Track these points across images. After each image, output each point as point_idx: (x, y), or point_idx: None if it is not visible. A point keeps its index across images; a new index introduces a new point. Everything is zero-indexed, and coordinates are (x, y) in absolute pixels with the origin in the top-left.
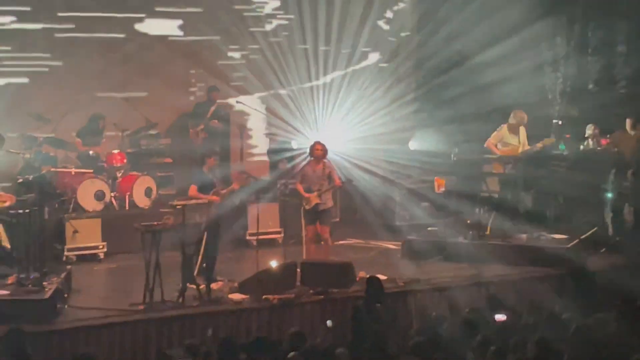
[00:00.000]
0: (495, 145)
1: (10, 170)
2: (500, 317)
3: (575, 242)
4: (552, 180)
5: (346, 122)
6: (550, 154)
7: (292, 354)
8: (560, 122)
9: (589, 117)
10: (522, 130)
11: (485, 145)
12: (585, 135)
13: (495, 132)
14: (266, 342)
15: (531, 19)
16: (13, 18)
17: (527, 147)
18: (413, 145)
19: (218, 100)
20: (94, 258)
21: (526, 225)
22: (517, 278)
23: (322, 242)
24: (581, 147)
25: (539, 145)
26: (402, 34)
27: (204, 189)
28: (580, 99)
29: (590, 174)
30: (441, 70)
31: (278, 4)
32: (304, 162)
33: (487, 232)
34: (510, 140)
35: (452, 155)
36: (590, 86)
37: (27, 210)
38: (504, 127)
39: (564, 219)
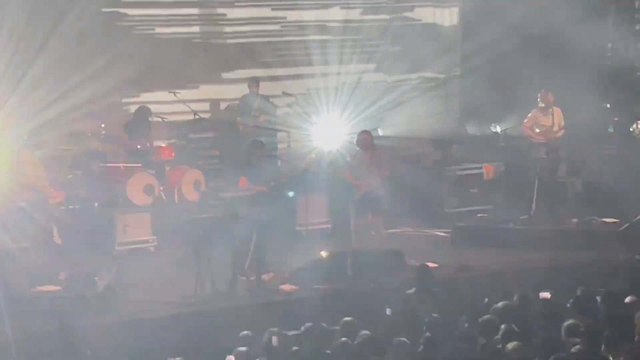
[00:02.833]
0: (530, 129)
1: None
2: (544, 294)
3: (626, 225)
4: (601, 163)
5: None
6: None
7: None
8: (608, 105)
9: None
10: (557, 111)
11: (521, 130)
12: (636, 118)
13: (528, 116)
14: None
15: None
16: None
17: (562, 126)
18: (470, 129)
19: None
20: (144, 252)
21: (576, 209)
22: (568, 263)
23: (373, 232)
24: (630, 129)
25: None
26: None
27: (253, 180)
28: (629, 81)
29: None
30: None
31: None
32: (353, 153)
33: (533, 212)
34: (543, 122)
35: (500, 141)
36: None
37: (77, 206)
38: (535, 110)
39: (614, 202)
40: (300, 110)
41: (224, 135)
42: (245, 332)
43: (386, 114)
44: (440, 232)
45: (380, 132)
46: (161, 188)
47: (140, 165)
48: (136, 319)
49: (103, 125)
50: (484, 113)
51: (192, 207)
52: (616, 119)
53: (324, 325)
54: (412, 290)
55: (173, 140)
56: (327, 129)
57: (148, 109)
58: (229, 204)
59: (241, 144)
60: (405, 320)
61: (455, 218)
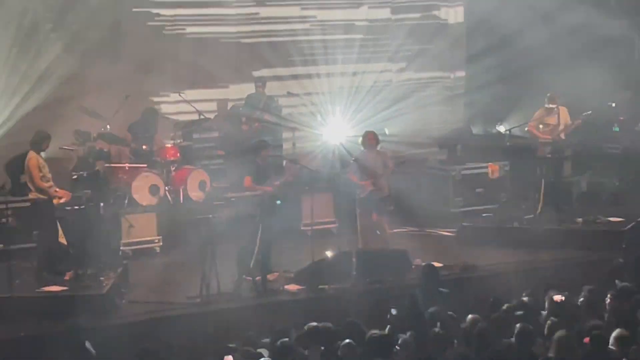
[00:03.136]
0: (536, 128)
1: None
2: (558, 296)
3: (632, 224)
4: (606, 162)
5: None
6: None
7: (347, 341)
8: (613, 105)
9: None
10: (563, 110)
11: (526, 129)
12: None
13: (534, 116)
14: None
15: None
16: None
17: (568, 125)
18: (475, 129)
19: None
20: (150, 252)
21: (582, 208)
22: (573, 262)
23: (379, 232)
24: (636, 128)
25: (578, 121)
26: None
27: (258, 180)
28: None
29: None
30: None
31: None
32: (358, 153)
33: (539, 211)
34: (548, 121)
35: (506, 140)
36: None
37: (82, 206)
38: (541, 109)
39: (619, 201)
40: (314, 110)
41: (229, 135)
42: (250, 332)
43: (391, 114)
44: (446, 231)
45: (387, 132)
46: (166, 188)
47: (145, 165)
48: (141, 319)
49: (109, 127)
50: (489, 112)
51: (197, 207)
52: (622, 118)
53: (329, 325)
54: (418, 290)
55: (178, 141)
56: (333, 129)
57: (155, 110)
58: (234, 204)
59: (246, 143)
60: (410, 320)
61: (460, 217)
